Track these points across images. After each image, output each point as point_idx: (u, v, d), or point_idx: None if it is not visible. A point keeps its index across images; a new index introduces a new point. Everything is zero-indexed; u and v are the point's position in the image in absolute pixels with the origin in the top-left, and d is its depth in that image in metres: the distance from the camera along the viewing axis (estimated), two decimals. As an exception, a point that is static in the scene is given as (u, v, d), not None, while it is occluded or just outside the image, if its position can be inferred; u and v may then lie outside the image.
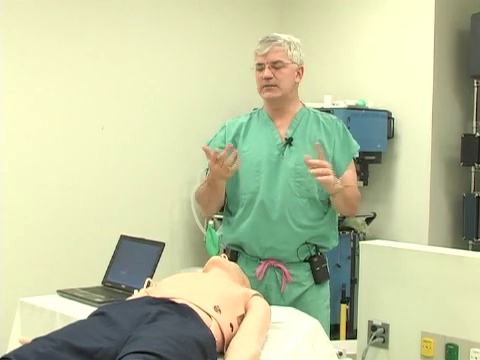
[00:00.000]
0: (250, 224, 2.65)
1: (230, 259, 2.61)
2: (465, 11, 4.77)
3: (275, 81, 2.61)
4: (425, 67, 4.67)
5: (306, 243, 2.66)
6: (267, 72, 2.60)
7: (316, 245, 2.69)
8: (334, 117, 2.77)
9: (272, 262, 2.66)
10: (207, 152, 2.48)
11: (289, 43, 2.64)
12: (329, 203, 2.71)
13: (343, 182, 2.58)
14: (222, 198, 2.70)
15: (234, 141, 2.70)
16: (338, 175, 2.60)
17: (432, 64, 4.65)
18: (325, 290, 2.76)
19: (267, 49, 2.60)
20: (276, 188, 2.63)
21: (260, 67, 2.63)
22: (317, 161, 2.43)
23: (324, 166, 2.42)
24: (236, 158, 2.48)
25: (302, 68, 2.68)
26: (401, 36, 4.79)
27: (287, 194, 2.63)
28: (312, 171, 2.41)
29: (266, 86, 2.62)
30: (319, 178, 2.43)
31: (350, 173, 2.71)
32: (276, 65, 2.61)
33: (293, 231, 2.63)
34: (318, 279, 2.70)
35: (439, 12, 4.67)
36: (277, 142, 2.67)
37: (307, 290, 2.69)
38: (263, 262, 2.67)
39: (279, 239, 2.63)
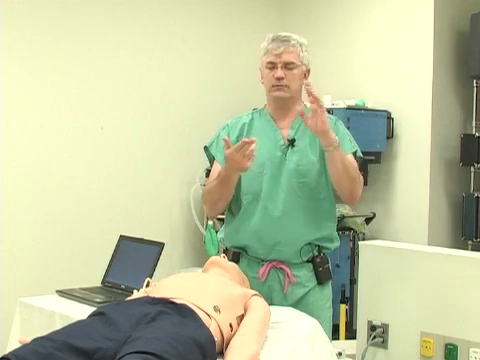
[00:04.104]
0: (253, 225, 2.63)
1: (232, 260, 2.60)
2: (464, 11, 4.77)
3: (286, 82, 2.61)
4: (424, 67, 4.67)
5: (309, 244, 2.65)
6: (280, 72, 2.59)
7: (319, 246, 2.68)
8: (333, 117, 2.77)
9: (275, 263, 2.64)
10: (226, 142, 2.42)
11: (301, 45, 2.64)
12: (331, 203, 2.71)
13: None
14: (231, 196, 2.63)
15: (238, 141, 2.68)
16: None
17: (431, 64, 4.65)
18: (327, 291, 2.74)
19: (281, 49, 2.59)
20: (279, 189, 2.63)
21: (271, 66, 2.61)
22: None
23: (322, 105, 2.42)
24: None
25: (309, 70, 2.69)
26: (400, 36, 4.79)
27: (290, 195, 2.62)
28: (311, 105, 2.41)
29: (277, 86, 2.61)
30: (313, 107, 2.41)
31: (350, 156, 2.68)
32: (289, 66, 2.60)
33: (296, 232, 2.62)
34: (321, 279, 2.68)
35: (438, 12, 4.67)
36: (280, 143, 2.67)
37: (310, 291, 2.67)
38: (266, 263, 2.65)
39: (282, 240, 2.62)
